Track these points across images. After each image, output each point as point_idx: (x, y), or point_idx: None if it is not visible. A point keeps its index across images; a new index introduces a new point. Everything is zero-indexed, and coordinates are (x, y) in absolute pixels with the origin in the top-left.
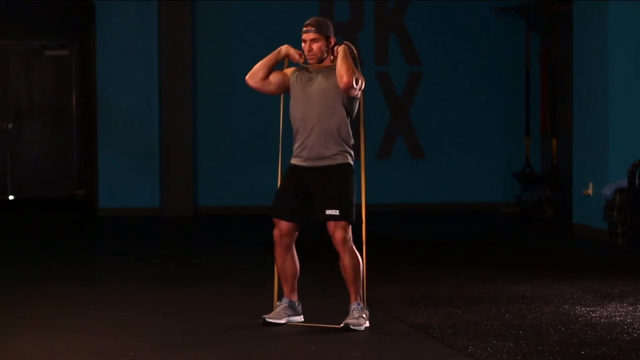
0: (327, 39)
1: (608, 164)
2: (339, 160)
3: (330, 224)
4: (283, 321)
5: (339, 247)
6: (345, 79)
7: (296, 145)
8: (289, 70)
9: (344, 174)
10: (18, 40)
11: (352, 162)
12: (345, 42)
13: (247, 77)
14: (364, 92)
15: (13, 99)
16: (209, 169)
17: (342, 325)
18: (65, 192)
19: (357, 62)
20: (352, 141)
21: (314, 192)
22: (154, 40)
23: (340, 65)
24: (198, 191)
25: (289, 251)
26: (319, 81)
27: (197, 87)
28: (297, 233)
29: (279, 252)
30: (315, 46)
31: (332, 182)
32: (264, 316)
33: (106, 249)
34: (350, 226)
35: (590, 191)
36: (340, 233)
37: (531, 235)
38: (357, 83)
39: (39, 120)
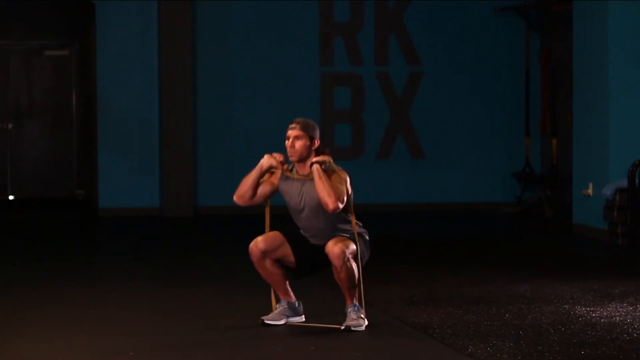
0: (312, 139)
1: (608, 164)
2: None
3: (330, 244)
4: (281, 322)
5: (335, 261)
6: (330, 206)
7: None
8: (274, 179)
9: (352, 236)
10: (18, 40)
11: (367, 237)
12: (314, 159)
13: (235, 197)
14: (362, 91)
15: (13, 99)
16: (209, 169)
17: (343, 327)
18: (65, 192)
19: (334, 166)
20: (351, 221)
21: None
22: (154, 40)
23: (320, 192)
24: (198, 191)
25: (264, 261)
26: (309, 194)
27: (197, 87)
28: (274, 255)
29: (254, 263)
30: (298, 143)
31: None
32: (262, 317)
33: (106, 249)
34: (352, 247)
35: (590, 191)
36: (339, 248)
37: (531, 235)
38: (342, 201)
39: (39, 120)
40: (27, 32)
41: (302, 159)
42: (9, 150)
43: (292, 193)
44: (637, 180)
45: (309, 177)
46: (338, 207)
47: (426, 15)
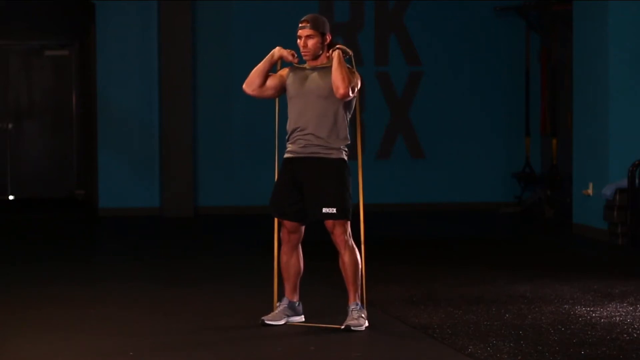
0: (323, 35)
1: (608, 164)
2: (334, 155)
3: (329, 222)
4: (282, 322)
5: (339, 244)
6: (341, 90)
7: (291, 139)
8: (284, 71)
9: (339, 170)
10: (18, 40)
11: (346, 159)
12: (338, 45)
13: (244, 85)
14: (361, 91)
15: (13, 99)
16: (209, 169)
17: (343, 327)
18: (65, 192)
19: (353, 62)
20: (349, 140)
21: (309, 188)
22: (154, 40)
23: (336, 75)
24: (198, 191)
25: (296, 250)
26: (315, 81)
27: (197, 87)
28: (303, 230)
29: (285, 249)
30: (310, 42)
31: (327, 179)
32: (262, 317)
33: (106, 249)
34: (348, 223)
35: (590, 191)
36: (339, 230)
37: (531, 235)
38: (353, 91)
39: (39, 120)
40: (27, 32)
41: (316, 57)
42: (9, 150)
43: (299, 79)
44: (637, 180)
45: (320, 67)
46: (348, 94)
47: (426, 15)
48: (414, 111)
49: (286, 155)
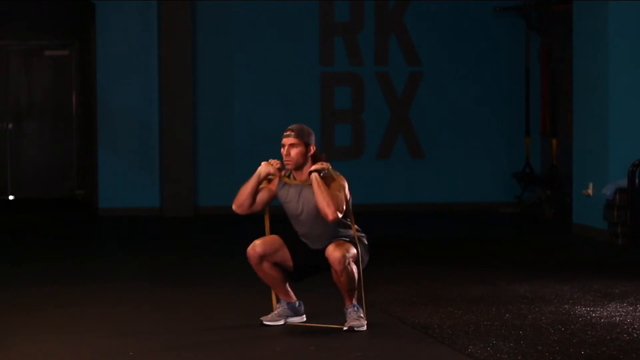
0: (307, 146)
1: (608, 164)
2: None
3: (330, 248)
4: (280, 323)
5: (336, 266)
6: (329, 217)
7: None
8: (272, 185)
9: (352, 240)
10: (18, 40)
11: (366, 241)
12: (312, 168)
13: (234, 206)
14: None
15: (13, 99)
16: (209, 169)
17: (346, 328)
18: (65, 192)
19: (332, 172)
20: (354, 225)
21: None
22: (154, 40)
23: (320, 202)
24: (198, 191)
25: (262, 263)
26: (307, 200)
27: (197, 87)
28: (271, 258)
29: (254, 265)
30: (293, 151)
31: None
32: (261, 318)
33: (106, 249)
34: (352, 251)
35: (590, 191)
36: (340, 252)
37: (531, 235)
38: (342, 211)
39: (39, 120)
40: (27, 32)
41: (299, 167)
42: (9, 150)
43: (291, 199)
44: (637, 180)
45: (307, 183)
46: (337, 217)
47: (426, 15)
48: (414, 111)
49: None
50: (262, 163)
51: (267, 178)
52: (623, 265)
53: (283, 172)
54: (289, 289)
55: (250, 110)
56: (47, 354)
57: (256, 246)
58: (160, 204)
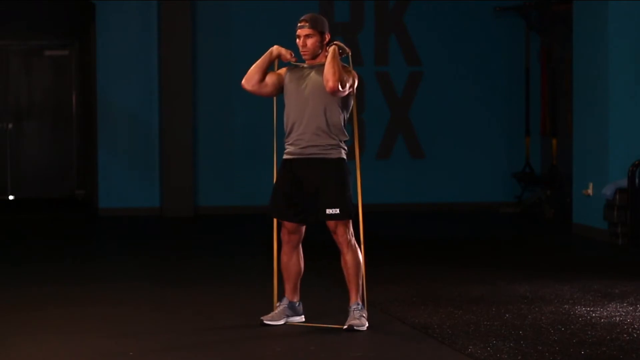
0: (322, 34)
1: (608, 164)
2: (333, 155)
3: (331, 225)
4: (281, 322)
5: (342, 243)
6: (330, 83)
7: (290, 139)
8: (282, 70)
9: (338, 169)
10: (18, 40)
11: (345, 157)
12: (335, 42)
13: (243, 81)
14: (361, 91)
15: (13, 99)
16: (209, 169)
17: (346, 327)
18: (65, 192)
19: (350, 60)
20: (347, 137)
21: (310, 189)
22: (154, 40)
23: (327, 69)
24: (198, 191)
25: (296, 250)
26: (313, 78)
27: (197, 87)
28: (304, 231)
29: (285, 250)
30: (309, 42)
31: (328, 180)
32: (262, 317)
33: (106, 249)
34: (350, 222)
35: (590, 191)
36: (342, 229)
37: (531, 235)
38: (343, 86)
39: (39, 120)
40: (27, 32)
41: (315, 56)
42: (9, 150)
43: (296, 78)
44: (637, 180)
45: (318, 66)
46: (337, 88)
47: (426, 15)
48: (414, 111)
49: (285, 157)
50: (275, 45)
51: (278, 68)
52: (623, 265)
53: (295, 59)
54: (299, 286)
55: (250, 110)
56: (47, 354)
57: (289, 228)
58: (160, 204)
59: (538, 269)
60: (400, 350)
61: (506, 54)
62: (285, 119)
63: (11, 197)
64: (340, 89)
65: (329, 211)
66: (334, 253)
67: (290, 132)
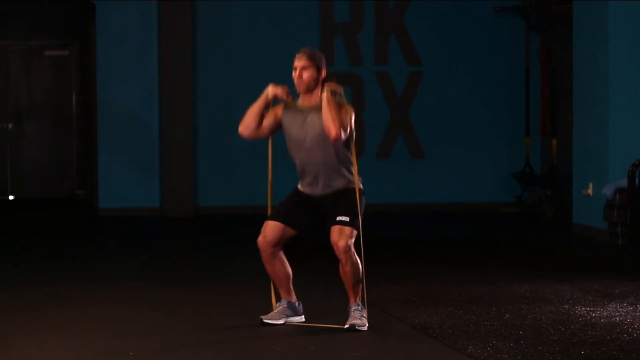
0: (319, 69)
1: (608, 164)
2: (348, 186)
3: (335, 234)
4: (281, 322)
5: (341, 255)
6: (332, 133)
7: (303, 182)
8: (278, 110)
9: (353, 193)
10: (18, 40)
11: (361, 186)
12: (327, 85)
13: (240, 128)
14: (360, 89)
15: (13, 99)
16: (209, 169)
17: (347, 326)
18: (65, 192)
19: (343, 98)
20: (355, 165)
21: (324, 206)
22: (154, 40)
23: (325, 119)
24: (198, 191)
25: (276, 257)
26: (313, 125)
27: (197, 87)
28: (283, 239)
29: (264, 258)
30: (305, 74)
31: (343, 197)
32: (261, 316)
33: (106, 249)
34: (354, 234)
35: (590, 191)
36: (344, 241)
37: (531, 235)
38: (345, 131)
39: (39, 120)
40: (27, 32)
41: (310, 90)
42: (9, 150)
43: (296, 123)
44: (637, 180)
45: (314, 108)
46: (340, 136)
47: (426, 15)
48: (414, 111)
49: (300, 189)
50: (270, 85)
51: (274, 104)
52: (623, 265)
53: (290, 97)
54: (292, 287)
55: None
56: (47, 354)
57: (266, 235)
58: (160, 204)
59: (538, 269)
60: (400, 350)
61: (506, 54)
62: (292, 157)
63: (11, 197)
64: (343, 135)
65: (339, 218)
66: (333, 254)
67: (302, 175)
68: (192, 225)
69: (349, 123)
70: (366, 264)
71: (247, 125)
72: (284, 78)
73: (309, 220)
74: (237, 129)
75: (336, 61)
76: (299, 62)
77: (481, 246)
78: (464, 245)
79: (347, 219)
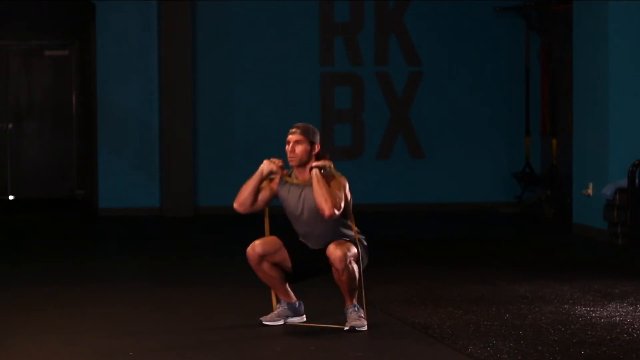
0: (312, 144)
1: (608, 164)
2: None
3: (331, 246)
4: (279, 323)
5: (338, 264)
6: (326, 213)
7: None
8: (274, 183)
9: (351, 239)
10: (18, 40)
11: (365, 243)
12: (314, 164)
13: (235, 204)
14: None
15: (13, 99)
16: (209, 169)
17: (347, 328)
18: (65, 192)
19: (334, 171)
20: (354, 228)
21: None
22: (154, 40)
23: (317, 199)
24: (198, 191)
25: (262, 264)
26: (308, 199)
27: (197, 87)
28: (271, 258)
29: (253, 266)
30: (298, 148)
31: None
32: (261, 318)
33: (106, 249)
34: (353, 250)
35: (590, 191)
36: (341, 251)
37: (531, 235)
38: (339, 208)
39: (39, 120)
40: (27, 32)
41: (302, 164)
42: (9, 150)
43: (291, 198)
44: (637, 180)
45: (309, 183)
46: (334, 214)
47: (426, 15)
48: (414, 111)
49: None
50: (264, 161)
51: (269, 177)
52: (623, 265)
53: (285, 171)
54: (289, 289)
55: (250, 110)
56: (47, 354)
57: (256, 246)
58: (160, 204)
59: (538, 269)
60: (400, 350)
61: (506, 54)
62: (290, 223)
63: (11, 197)
64: (337, 212)
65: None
66: None
67: (302, 239)
68: (192, 225)
69: (342, 198)
70: (365, 269)
71: (242, 202)
72: (284, 78)
73: (305, 261)
74: (237, 128)
75: (336, 61)
76: (292, 136)
77: (481, 246)
78: (464, 245)
79: (346, 239)
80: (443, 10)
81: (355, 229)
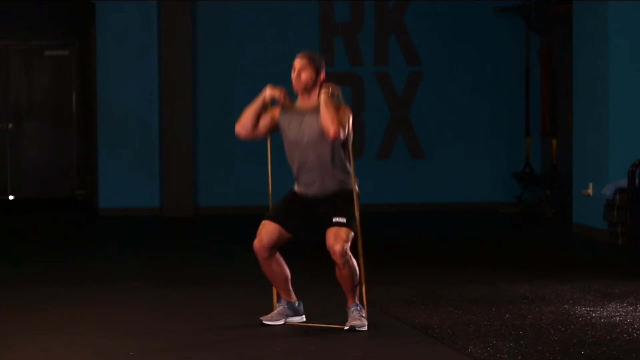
0: (317, 72)
1: (608, 164)
2: (344, 187)
3: (330, 237)
4: (280, 322)
5: (338, 260)
6: (331, 132)
7: (299, 182)
8: (275, 111)
9: (350, 195)
10: (18, 40)
11: (357, 188)
12: (325, 85)
13: (237, 128)
14: (360, 89)
15: (13, 99)
16: (209, 169)
17: (347, 327)
18: (65, 192)
19: (341, 99)
20: (352, 167)
21: (320, 208)
22: (154, 40)
23: (323, 118)
24: (198, 191)
25: (272, 259)
26: (310, 125)
27: (197, 87)
28: (279, 241)
29: (261, 262)
30: (303, 74)
31: (340, 198)
32: (261, 317)
33: (106, 249)
34: (350, 237)
35: (590, 191)
36: (340, 245)
37: (531, 235)
38: (344, 130)
39: (39, 120)
40: (27, 32)
41: (307, 90)
42: (9, 150)
43: (293, 124)
44: (637, 180)
45: (312, 109)
46: (339, 135)
47: (426, 15)
48: (414, 111)
49: (296, 190)
50: (268, 86)
51: (271, 106)
52: (623, 265)
53: (288, 99)
54: (291, 288)
55: None
56: (47, 354)
57: (262, 239)
58: (160, 204)
59: (538, 269)
60: (400, 350)
61: (506, 54)
62: (288, 159)
63: (11, 197)
64: (342, 135)
65: (335, 219)
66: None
67: (298, 175)
68: (192, 225)
69: (347, 123)
70: (366, 264)
71: (243, 125)
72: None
73: (304, 223)
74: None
75: (336, 61)
76: (298, 63)
77: (481, 246)
78: (464, 245)
79: (343, 220)
80: (443, 10)
81: (354, 169)
